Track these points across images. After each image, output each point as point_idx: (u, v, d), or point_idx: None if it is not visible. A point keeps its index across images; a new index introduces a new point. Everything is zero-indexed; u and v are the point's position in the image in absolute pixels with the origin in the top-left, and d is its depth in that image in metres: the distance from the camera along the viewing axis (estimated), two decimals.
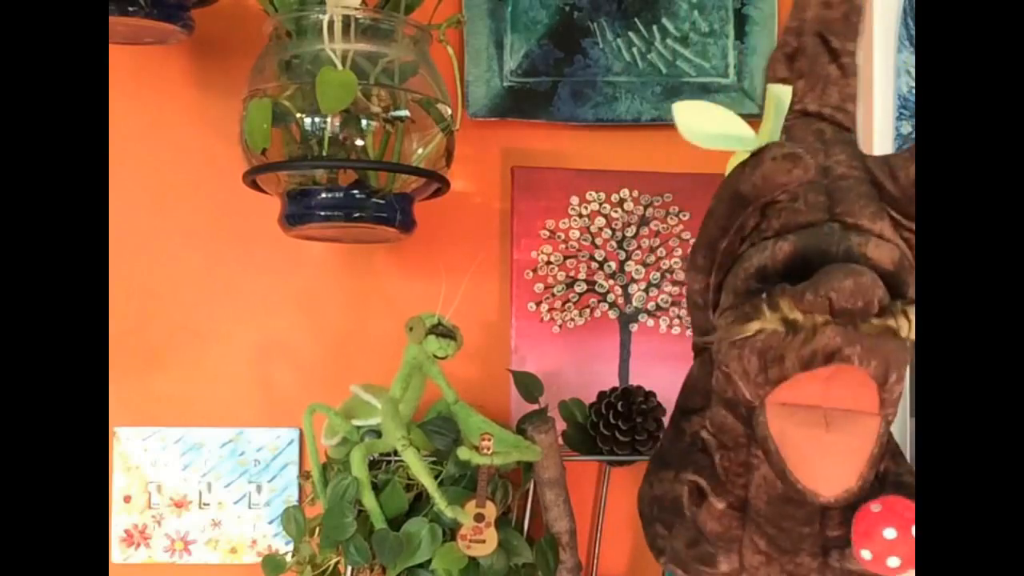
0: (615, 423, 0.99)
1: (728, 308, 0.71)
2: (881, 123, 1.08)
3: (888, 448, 0.74)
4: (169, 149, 1.08)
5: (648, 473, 0.82)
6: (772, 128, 0.70)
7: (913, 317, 0.65)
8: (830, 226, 0.69)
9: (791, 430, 0.68)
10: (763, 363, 0.68)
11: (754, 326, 0.67)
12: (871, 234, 0.69)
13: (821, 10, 0.75)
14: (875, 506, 0.70)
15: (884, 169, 0.71)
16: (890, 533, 0.69)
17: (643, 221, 1.10)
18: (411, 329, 0.93)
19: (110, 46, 0.98)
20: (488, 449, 0.89)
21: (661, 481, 0.79)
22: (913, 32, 1.05)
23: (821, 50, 0.75)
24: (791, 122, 0.75)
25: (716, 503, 0.76)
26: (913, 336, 0.66)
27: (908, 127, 1.06)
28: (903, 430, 1.05)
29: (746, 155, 0.69)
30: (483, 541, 0.90)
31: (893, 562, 0.69)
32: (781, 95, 0.71)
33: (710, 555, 0.76)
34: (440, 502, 0.87)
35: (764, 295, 0.67)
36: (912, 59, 1.05)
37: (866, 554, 0.70)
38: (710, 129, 0.70)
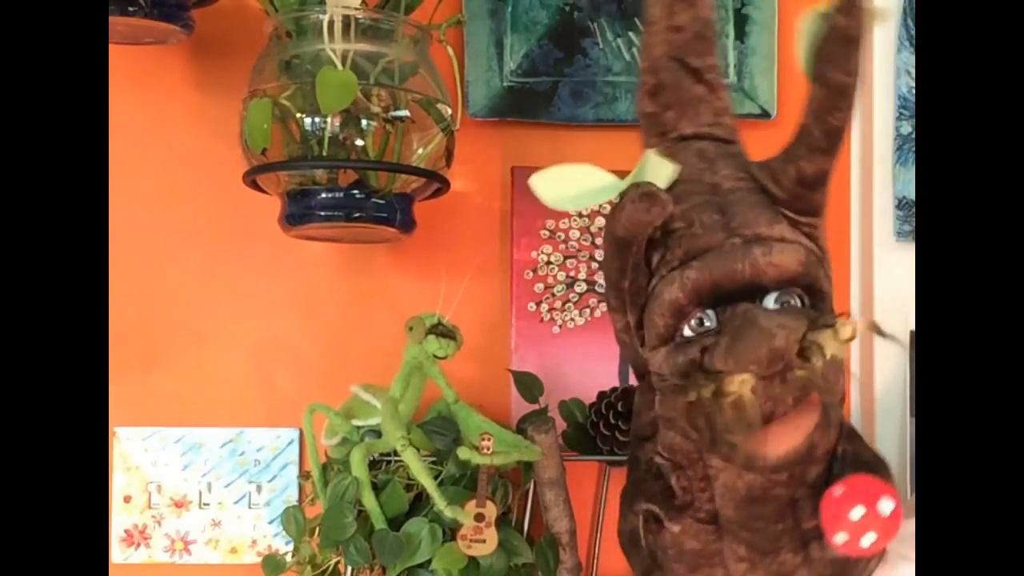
0: (615, 423, 0.99)
1: (656, 346, 0.72)
2: (881, 123, 1.08)
3: (843, 430, 0.75)
4: (169, 149, 1.08)
5: (620, 508, 0.83)
6: (637, 176, 0.70)
7: (829, 338, 0.66)
8: (731, 243, 0.70)
9: None
10: (706, 429, 0.69)
11: (692, 395, 0.69)
12: (772, 240, 0.70)
13: (672, 35, 0.74)
14: (838, 489, 0.70)
15: (767, 174, 0.72)
16: (858, 512, 0.68)
17: None
18: (411, 329, 0.93)
19: (110, 46, 0.98)
20: (488, 449, 0.89)
21: (624, 516, 0.81)
22: (913, 32, 1.05)
23: (683, 74, 0.75)
24: (671, 148, 0.75)
25: (672, 527, 0.76)
26: (839, 352, 0.67)
27: (908, 127, 1.06)
28: (903, 430, 1.05)
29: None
30: (483, 541, 0.90)
31: (868, 539, 0.68)
32: (647, 158, 0.71)
33: None
34: (440, 502, 0.87)
35: (700, 364, 0.69)
36: (912, 59, 1.05)
37: (840, 537, 0.69)
38: (573, 191, 0.71)
